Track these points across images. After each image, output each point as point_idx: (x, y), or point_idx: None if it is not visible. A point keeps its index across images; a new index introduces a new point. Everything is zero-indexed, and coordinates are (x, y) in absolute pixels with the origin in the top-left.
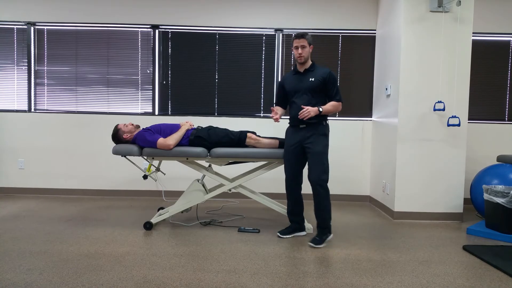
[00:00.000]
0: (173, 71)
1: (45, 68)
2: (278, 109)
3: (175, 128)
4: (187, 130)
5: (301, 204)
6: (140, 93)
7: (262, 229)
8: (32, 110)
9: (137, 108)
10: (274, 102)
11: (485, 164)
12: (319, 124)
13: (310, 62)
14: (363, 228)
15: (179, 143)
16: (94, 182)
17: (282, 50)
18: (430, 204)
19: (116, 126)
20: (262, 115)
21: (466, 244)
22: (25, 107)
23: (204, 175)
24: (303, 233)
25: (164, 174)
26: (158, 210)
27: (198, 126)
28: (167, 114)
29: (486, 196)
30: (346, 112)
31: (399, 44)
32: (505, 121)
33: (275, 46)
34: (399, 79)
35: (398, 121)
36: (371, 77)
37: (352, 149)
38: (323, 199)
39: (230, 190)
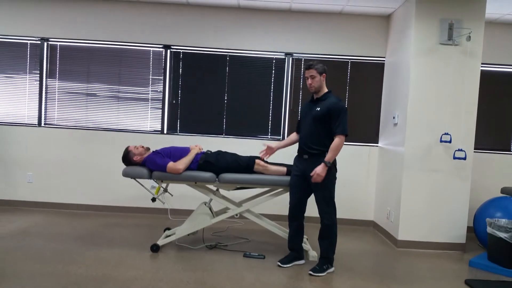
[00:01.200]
0: (183, 91)
1: (57, 83)
2: (273, 144)
3: (184, 151)
4: (197, 154)
5: (301, 233)
6: (149, 111)
7: (267, 255)
8: (42, 124)
9: (146, 126)
10: (296, 128)
11: (489, 193)
12: (321, 156)
13: (324, 91)
14: (366, 256)
15: (189, 167)
16: (101, 198)
17: (292, 74)
18: (433, 234)
19: (127, 148)
20: (269, 137)
21: (468, 279)
22: (35, 121)
23: (211, 199)
24: (302, 261)
25: (172, 195)
26: (165, 231)
27: (208, 151)
28: (175, 133)
29: (489, 229)
30: (353, 137)
31: (408, 75)
32: (510, 151)
33: (284, 70)
34: (407, 109)
35: (404, 150)
36: (379, 104)
37: (358, 174)
38: (326, 230)
39: (237, 215)
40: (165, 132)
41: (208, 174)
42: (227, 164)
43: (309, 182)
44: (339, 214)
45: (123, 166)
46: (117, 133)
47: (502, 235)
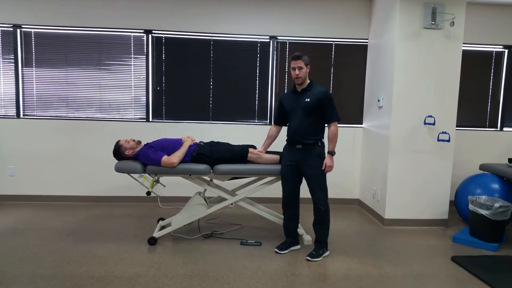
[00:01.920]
0: (167, 77)
1: (34, 72)
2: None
3: (177, 144)
4: (190, 146)
5: (296, 220)
6: (133, 99)
7: (263, 241)
8: (21, 115)
9: (131, 114)
10: (273, 119)
11: (468, 169)
12: (315, 145)
13: (307, 82)
14: (357, 236)
15: (183, 160)
16: (87, 189)
17: (277, 57)
18: (418, 212)
19: (118, 143)
20: (256, 121)
21: (454, 255)
22: (13, 112)
23: (206, 189)
24: (298, 246)
25: (164, 186)
26: (158, 221)
27: (200, 142)
28: (161, 120)
29: (471, 207)
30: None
31: (393, 59)
32: (486, 127)
33: (269, 54)
34: (392, 94)
35: (390, 133)
36: (363, 85)
37: (343, 155)
38: (322, 216)
39: (232, 204)
40: (150, 119)
41: (202, 166)
42: (221, 155)
43: (302, 171)
44: None
45: (108, 156)
46: (100, 122)
47: (484, 212)
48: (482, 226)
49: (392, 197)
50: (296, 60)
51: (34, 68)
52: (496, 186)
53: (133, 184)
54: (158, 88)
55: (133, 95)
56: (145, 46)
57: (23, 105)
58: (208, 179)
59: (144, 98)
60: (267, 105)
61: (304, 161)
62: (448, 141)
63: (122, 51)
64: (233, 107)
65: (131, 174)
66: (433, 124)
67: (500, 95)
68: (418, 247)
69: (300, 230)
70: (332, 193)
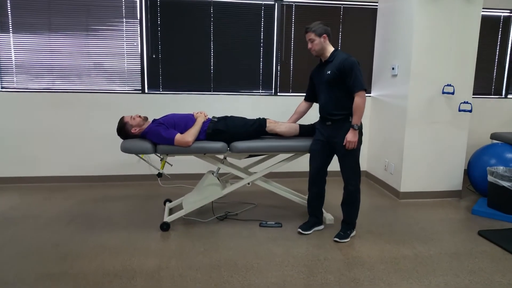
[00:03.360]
0: (163, 44)
1: (11, 38)
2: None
3: (189, 120)
4: (203, 123)
5: (322, 198)
6: (126, 68)
7: (282, 221)
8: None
9: (124, 84)
10: (305, 95)
11: (479, 138)
12: (345, 121)
13: (330, 51)
14: (376, 212)
15: (196, 138)
16: (79, 168)
17: (282, 22)
18: (432, 184)
19: (122, 119)
20: (261, 91)
21: (481, 230)
22: None
23: (219, 168)
24: (322, 226)
25: (171, 165)
26: (165, 203)
27: (213, 117)
28: (158, 91)
29: (491, 178)
30: None
31: (411, 24)
32: (491, 95)
33: (274, 18)
34: (411, 61)
35: (408, 104)
36: (371, 52)
37: None
38: (351, 196)
39: (249, 183)
40: (146, 91)
41: (219, 144)
42: (238, 129)
43: (332, 148)
44: (332, 167)
45: (99, 132)
46: (90, 94)
47: (505, 183)
48: (502, 198)
49: (408, 169)
50: (306, 33)
51: (11, 34)
52: (511, 155)
53: (128, 162)
54: (154, 56)
55: (126, 64)
56: (138, 9)
57: (0, 77)
58: (222, 157)
59: (138, 67)
60: (272, 74)
61: (334, 138)
62: (470, 111)
63: (112, 14)
64: (236, 76)
65: (139, 155)
66: (452, 93)
67: (506, 61)
68: (441, 222)
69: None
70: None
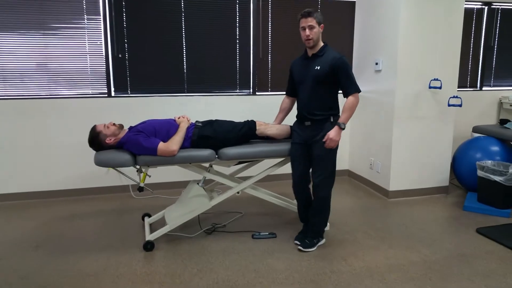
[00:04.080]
0: (130, 42)
1: None
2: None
3: (171, 126)
4: (187, 128)
5: (311, 203)
6: (89, 69)
7: (275, 230)
8: None
9: (88, 88)
10: (286, 89)
11: (457, 131)
12: (326, 121)
13: (320, 45)
14: (368, 214)
15: (181, 145)
16: (39, 184)
17: (258, 16)
18: (420, 181)
19: (95, 129)
20: (238, 91)
21: (478, 228)
22: None
23: (205, 177)
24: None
25: (150, 176)
26: (143, 218)
27: (196, 121)
28: (126, 94)
29: (481, 173)
30: None
31: (397, 17)
32: (467, 88)
33: (250, 10)
34: (397, 56)
35: (395, 100)
36: (350, 47)
37: None
38: (322, 203)
39: (238, 192)
40: (112, 94)
41: (206, 152)
42: (227, 135)
43: (310, 150)
44: None
45: (61, 142)
46: (49, 100)
47: (497, 178)
48: (493, 192)
49: (397, 167)
50: (307, 18)
51: None
52: (496, 148)
53: (96, 174)
54: (120, 56)
55: (89, 65)
56: (100, 4)
57: None
58: (207, 165)
59: (103, 69)
60: (250, 72)
61: (312, 138)
62: (460, 105)
63: (71, 10)
64: (211, 76)
65: (117, 168)
66: (440, 87)
67: (480, 54)
68: (436, 221)
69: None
70: None
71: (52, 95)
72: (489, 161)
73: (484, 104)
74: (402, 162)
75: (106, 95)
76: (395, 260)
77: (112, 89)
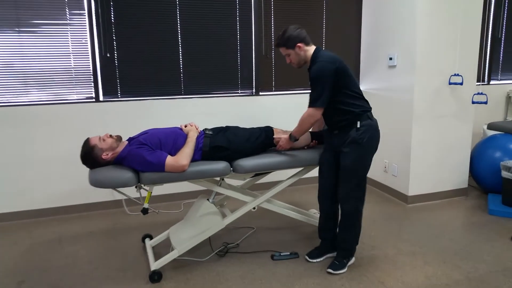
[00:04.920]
0: (119, 40)
1: None
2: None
3: (179, 136)
4: (197, 138)
5: (335, 219)
6: (74, 71)
7: (295, 249)
8: None
9: (72, 93)
10: None
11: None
12: (350, 128)
13: (309, 57)
14: (391, 224)
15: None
16: (22, 202)
17: (260, 10)
18: (440, 183)
19: (88, 142)
20: (240, 92)
21: None
22: None
23: (216, 192)
24: (335, 253)
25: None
26: (143, 240)
27: (205, 129)
28: (116, 98)
29: (506, 174)
30: None
31: (413, 9)
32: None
33: (251, 5)
34: (416, 50)
35: (413, 98)
36: (358, 41)
37: None
38: (349, 220)
39: (254, 208)
40: (101, 98)
41: (221, 165)
42: (242, 145)
43: (338, 160)
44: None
45: (45, 154)
46: (29, 108)
47: None
48: None
49: (416, 170)
50: (279, 48)
51: None
52: None
53: (84, 189)
54: (109, 55)
55: (73, 67)
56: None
57: None
58: (218, 178)
59: (89, 70)
60: (252, 71)
61: (339, 147)
62: (486, 103)
63: (51, 5)
64: (210, 75)
65: (119, 189)
66: (461, 83)
67: (487, 47)
68: (465, 228)
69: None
70: None
71: (30, 102)
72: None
73: (492, 98)
74: (421, 165)
75: (94, 100)
76: (437, 280)
77: (100, 92)
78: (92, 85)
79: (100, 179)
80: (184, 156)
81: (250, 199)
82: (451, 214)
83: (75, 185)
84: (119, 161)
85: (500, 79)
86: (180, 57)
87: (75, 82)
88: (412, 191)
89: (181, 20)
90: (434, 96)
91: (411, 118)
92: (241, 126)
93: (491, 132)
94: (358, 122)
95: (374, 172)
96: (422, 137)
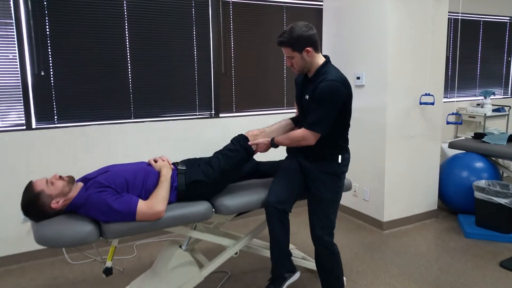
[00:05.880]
0: (56, 55)
1: None
2: (260, 133)
3: (149, 174)
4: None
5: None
6: None
7: None
8: None
9: None
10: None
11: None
12: (330, 161)
13: (316, 67)
14: (373, 254)
15: None
16: None
17: (218, 23)
18: (411, 207)
19: (32, 187)
20: (198, 113)
21: (502, 261)
22: None
23: (190, 237)
24: (297, 274)
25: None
26: None
27: (175, 163)
28: (52, 124)
29: (480, 195)
30: (292, 102)
31: (384, 25)
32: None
33: (209, 17)
34: (387, 69)
35: (386, 118)
36: None
37: None
38: (329, 259)
39: (236, 253)
40: (33, 125)
41: (202, 206)
42: (223, 174)
43: (306, 180)
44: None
45: None
46: None
47: (502, 201)
48: (496, 216)
49: (390, 194)
50: (282, 47)
51: None
52: (481, 165)
53: (12, 235)
54: (43, 73)
55: None
56: (12, 6)
57: None
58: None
59: (18, 91)
60: (211, 90)
61: (310, 171)
62: (461, 123)
63: None
64: (164, 96)
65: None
66: (433, 103)
67: None
68: (449, 254)
69: (296, 252)
70: None
71: None
72: (483, 181)
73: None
74: (395, 188)
75: (24, 127)
76: None
77: (33, 118)
78: (23, 109)
79: (49, 236)
80: (159, 200)
81: (231, 242)
82: (429, 240)
83: (4, 232)
84: (72, 209)
85: (449, 97)
86: (129, 75)
87: (2, 105)
88: (387, 217)
89: (129, 33)
90: (405, 116)
91: (384, 140)
92: (200, 151)
93: (451, 151)
94: (340, 156)
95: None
96: (395, 159)
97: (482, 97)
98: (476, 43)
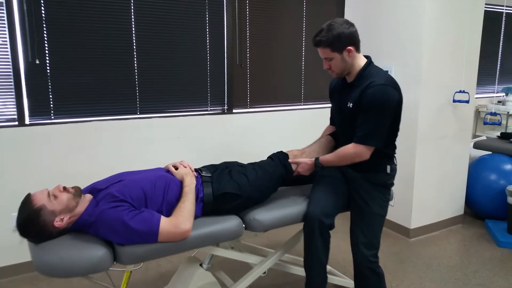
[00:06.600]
0: (52, 42)
1: None
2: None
3: (170, 183)
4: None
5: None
6: None
7: None
8: None
9: None
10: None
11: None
12: (377, 172)
13: (357, 69)
14: (403, 266)
15: None
16: None
17: (234, 13)
18: (438, 212)
19: (31, 202)
20: (209, 109)
21: None
22: None
23: (212, 255)
24: None
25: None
26: None
27: (199, 170)
28: (47, 120)
29: None
30: (310, 96)
31: (420, 18)
32: None
33: (223, 6)
34: (421, 62)
35: (418, 117)
36: None
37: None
38: (373, 285)
39: (265, 272)
40: (26, 121)
41: (233, 222)
42: (259, 189)
43: (351, 196)
44: None
45: None
46: None
47: None
48: None
49: (418, 199)
50: (319, 48)
51: None
52: (509, 167)
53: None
54: (38, 62)
55: None
56: None
57: None
58: None
59: (10, 82)
60: (224, 84)
61: (356, 182)
62: (499, 124)
63: None
64: (173, 90)
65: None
66: (467, 101)
67: None
68: (485, 267)
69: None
70: None
71: None
72: None
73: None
74: (423, 192)
75: (17, 123)
76: None
77: (26, 113)
78: (14, 103)
79: (53, 264)
80: (185, 217)
81: (258, 259)
82: (460, 249)
83: None
84: (79, 227)
85: None
86: (135, 65)
87: None
88: (414, 224)
89: (136, 19)
90: (437, 115)
91: (415, 140)
92: (211, 151)
93: (478, 152)
94: (388, 167)
95: None
96: (425, 161)
97: (504, 94)
98: (497, 36)
